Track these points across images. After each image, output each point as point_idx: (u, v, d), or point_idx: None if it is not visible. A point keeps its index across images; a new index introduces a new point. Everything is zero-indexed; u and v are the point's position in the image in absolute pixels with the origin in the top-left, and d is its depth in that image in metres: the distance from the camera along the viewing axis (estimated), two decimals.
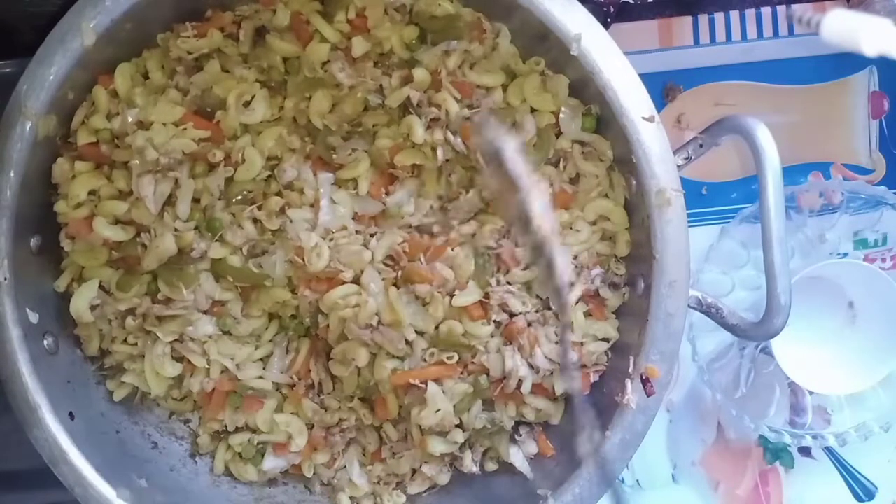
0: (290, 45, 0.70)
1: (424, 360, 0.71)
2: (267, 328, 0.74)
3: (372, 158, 0.71)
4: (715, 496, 0.90)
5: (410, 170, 0.71)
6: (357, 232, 0.72)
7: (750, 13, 0.87)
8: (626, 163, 0.68)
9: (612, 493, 0.66)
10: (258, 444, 0.75)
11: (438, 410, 0.70)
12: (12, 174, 0.64)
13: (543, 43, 0.67)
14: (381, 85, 0.71)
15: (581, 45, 0.65)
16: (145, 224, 0.68)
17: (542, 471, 0.73)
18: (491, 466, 0.76)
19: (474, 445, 0.74)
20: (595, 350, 0.72)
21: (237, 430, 0.75)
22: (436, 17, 0.69)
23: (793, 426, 0.87)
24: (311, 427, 0.75)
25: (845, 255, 0.87)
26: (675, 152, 0.67)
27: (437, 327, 0.71)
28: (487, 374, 0.72)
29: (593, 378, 0.73)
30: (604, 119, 0.69)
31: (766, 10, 0.87)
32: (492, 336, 0.72)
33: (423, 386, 0.70)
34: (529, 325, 0.72)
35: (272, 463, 0.75)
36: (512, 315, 0.72)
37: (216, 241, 0.70)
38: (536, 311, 0.73)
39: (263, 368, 0.75)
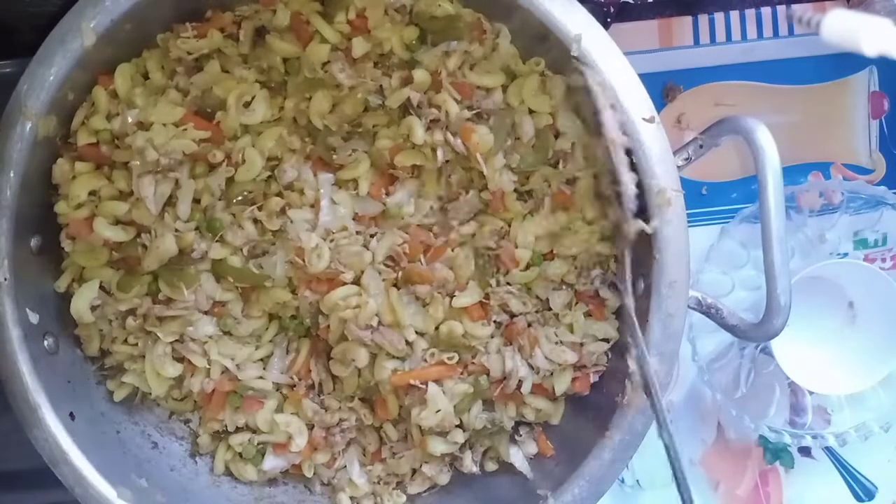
0: (290, 45, 0.69)
1: (425, 361, 0.71)
2: (267, 328, 0.74)
3: (372, 159, 0.71)
4: (715, 496, 0.90)
5: (410, 170, 0.71)
6: (357, 232, 0.72)
7: (750, 13, 0.87)
8: None
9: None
10: (258, 444, 0.75)
11: (439, 411, 0.70)
12: (12, 174, 0.64)
13: (543, 43, 0.67)
14: (381, 86, 0.71)
15: (581, 46, 0.65)
16: (146, 224, 0.68)
17: (542, 471, 0.73)
18: (491, 466, 0.76)
19: (474, 445, 0.74)
20: (595, 350, 0.72)
21: (237, 430, 0.75)
22: (436, 18, 0.69)
23: (793, 426, 0.87)
24: (311, 427, 0.75)
25: (845, 255, 0.87)
26: (675, 153, 0.67)
27: (437, 328, 0.71)
28: (488, 375, 0.72)
29: (593, 378, 0.73)
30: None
31: (766, 10, 0.87)
32: (492, 336, 0.72)
33: (424, 386, 0.70)
34: (530, 325, 0.72)
35: (272, 463, 0.75)
36: (512, 315, 0.73)
37: (217, 241, 0.70)
38: (536, 312, 0.73)
39: (264, 369, 0.75)
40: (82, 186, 0.68)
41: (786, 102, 0.87)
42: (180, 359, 0.73)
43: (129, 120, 0.67)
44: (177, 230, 0.68)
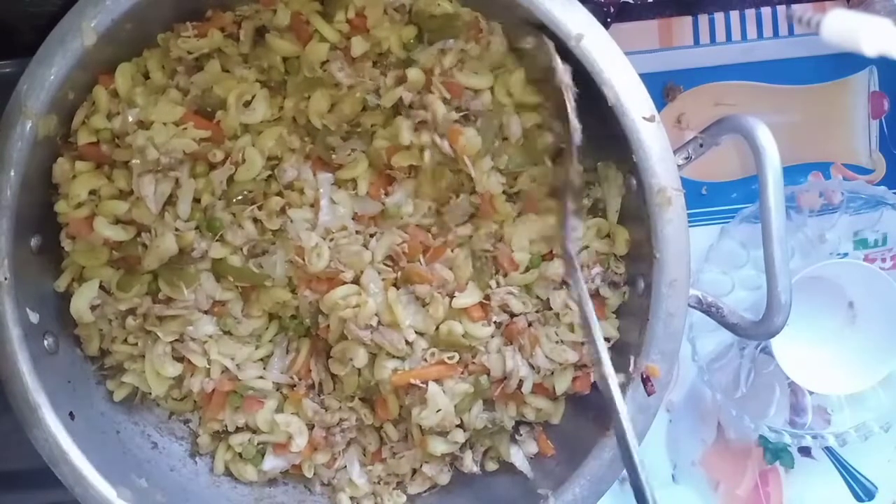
0: (290, 44, 0.70)
1: (425, 360, 0.71)
2: (267, 328, 0.74)
3: (370, 159, 0.71)
4: (715, 496, 0.90)
5: (407, 171, 0.71)
6: (357, 232, 0.72)
7: (750, 13, 0.87)
8: (626, 162, 0.68)
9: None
10: (258, 444, 0.75)
11: (439, 410, 0.70)
12: (12, 174, 0.64)
13: (544, 43, 0.67)
14: (379, 85, 0.70)
15: (581, 45, 0.65)
16: (146, 224, 0.68)
17: (542, 470, 0.73)
18: (491, 466, 0.76)
19: (475, 445, 0.74)
20: None
21: (237, 430, 0.75)
22: (434, 17, 0.69)
23: (793, 426, 0.87)
24: (311, 427, 0.75)
25: (845, 255, 0.87)
26: (675, 152, 0.67)
27: (437, 328, 0.71)
28: (488, 374, 0.72)
29: (593, 378, 0.73)
30: (604, 118, 0.69)
31: (766, 10, 0.87)
32: (492, 336, 0.72)
33: (424, 386, 0.70)
34: (530, 325, 0.72)
35: (272, 463, 0.75)
36: (512, 315, 0.72)
37: (217, 240, 0.70)
38: (537, 311, 0.73)
39: (264, 368, 0.75)
40: (82, 186, 0.68)
41: (786, 102, 0.87)
42: (180, 358, 0.73)
43: (130, 119, 0.67)
44: (177, 229, 0.68)
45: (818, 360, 0.85)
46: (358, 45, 0.69)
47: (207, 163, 0.69)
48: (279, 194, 0.71)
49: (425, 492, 0.77)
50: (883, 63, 0.85)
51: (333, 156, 0.71)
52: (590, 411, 0.72)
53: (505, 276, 0.72)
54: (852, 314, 0.87)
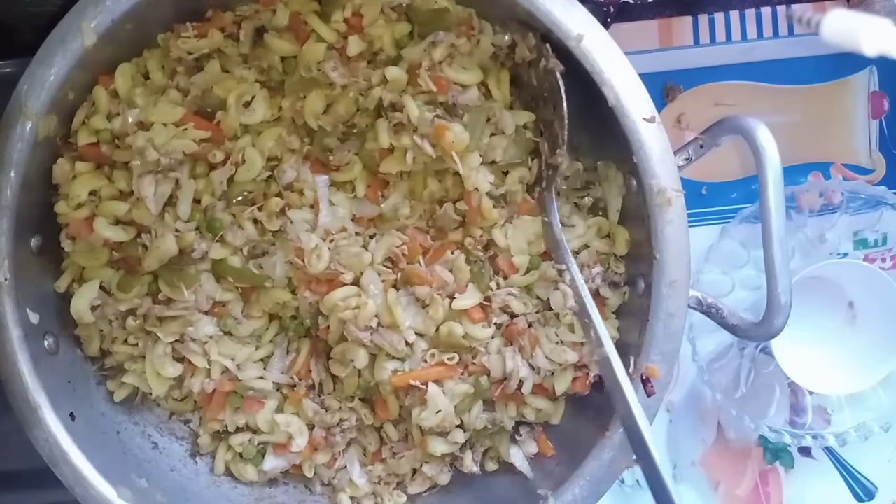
0: (289, 44, 0.69)
1: (425, 361, 0.71)
2: (267, 329, 0.75)
3: (363, 161, 0.71)
4: (715, 496, 0.90)
5: (399, 173, 0.71)
6: (356, 234, 0.72)
7: (750, 13, 0.87)
8: (626, 163, 0.68)
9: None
10: (259, 444, 0.75)
11: (439, 411, 0.70)
12: (13, 174, 0.64)
13: (544, 43, 0.67)
14: (371, 85, 0.70)
15: (581, 46, 0.65)
16: (146, 224, 0.68)
17: (542, 471, 0.73)
18: (491, 466, 0.76)
19: (475, 445, 0.74)
20: None
21: (238, 430, 0.75)
22: (426, 11, 0.69)
23: (793, 426, 0.87)
24: (311, 427, 0.75)
25: (845, 255, 0.87)
26: (675, 152, 0.67)
27: (437, 329, 0.71)
28: (488, 375, 0.72)
29: (593, 378, 0.73)
30: (604, 119, 0.69)
31: (766, 10, 0.87)
32: (492, 337, 0.72)
33: (424, 387, 0.70)
34: (530, 325, 0.72)
35: (273, 463, 0.75)
36: (513, 316, 0.72)
37: (217, 241, 0.70)
38: (537, 312, 0.73)
39: (264, 369, 0.75)
40: (82, 186, 0.68)
41: (786, 102, 0.87)
42: (180, 359, 0.73)
43: (130, 120, 0.67)
44: (177, 230, 0.68)
45: (818, 360, 0.85)
46: (354, 45, 0.69)
47: (207, 163, 0.69)
48: (279, 195, 0.71)
49: (425, 492, 0.77)
50: (883, 63, 0.85)
51: (331, 157, 0.71)
52: (590, 412, 0.72)
53: (505, 278, 0.72)
54: (852, 314, 0.87)
